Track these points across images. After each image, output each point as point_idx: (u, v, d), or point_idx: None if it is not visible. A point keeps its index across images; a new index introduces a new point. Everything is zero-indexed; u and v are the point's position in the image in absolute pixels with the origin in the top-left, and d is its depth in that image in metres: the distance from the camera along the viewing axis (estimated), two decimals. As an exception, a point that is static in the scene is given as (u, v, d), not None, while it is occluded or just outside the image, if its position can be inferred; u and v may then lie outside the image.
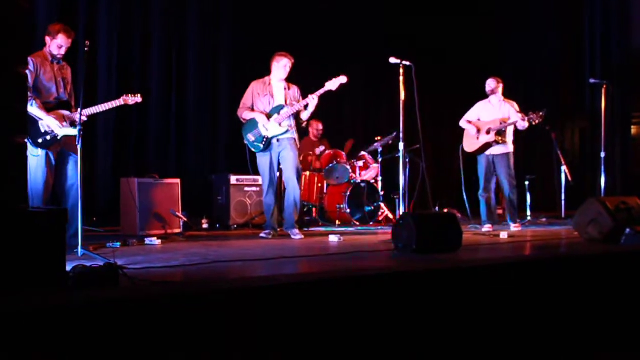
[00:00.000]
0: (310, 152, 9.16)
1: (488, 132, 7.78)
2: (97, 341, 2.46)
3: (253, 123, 6.81)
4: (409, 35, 11.51)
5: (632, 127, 12.34)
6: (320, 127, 9.57)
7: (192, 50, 9.53)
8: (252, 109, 6.86)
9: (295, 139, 6.88)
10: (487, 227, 7.63)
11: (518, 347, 3.85)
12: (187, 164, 9.38)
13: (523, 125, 7.69)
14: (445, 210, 9.10)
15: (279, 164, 6.87)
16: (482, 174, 7.91)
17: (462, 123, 8.12)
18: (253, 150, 6.89)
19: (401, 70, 6.65)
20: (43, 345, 2.32)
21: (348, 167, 8.72)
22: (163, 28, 9.20)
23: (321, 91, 6.78)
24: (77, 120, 5.05)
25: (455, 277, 3.80)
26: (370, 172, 9.03)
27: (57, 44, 5.44)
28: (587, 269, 4.59)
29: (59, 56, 5.50)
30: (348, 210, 8.42)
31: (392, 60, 6.64)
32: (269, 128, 6.73)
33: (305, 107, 6.80)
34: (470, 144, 7.99)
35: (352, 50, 10.60)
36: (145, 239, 6.05)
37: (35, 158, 5.28)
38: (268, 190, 6.79)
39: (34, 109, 5.25)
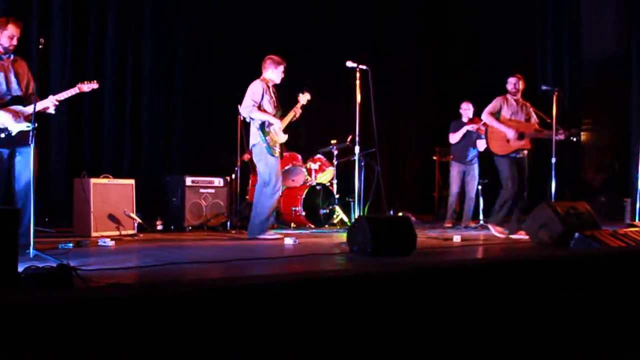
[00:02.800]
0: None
1: (521, 137, 7.38)
2: (49, 343, 2.44)
3: (270, 127, 6.80)
4: (367, 36, 11.62)
5: (582, 133, 12.62)
6: None
7: (147, 50, 9.42)
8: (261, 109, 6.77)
9: None
10: (521, 234, 7.23)
11: (471, 349, 3.91)
12: (141, 164, 9.27)
13: (559, 139, 7.39)
14: (400, 214, 9.20)
15: None
16: (507, 175, 7.41)
17: (488, 119, 7.61)
18: (270, 155, 6.74)
19: (357, 74, 6.71)
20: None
21: (304, 169, 8.73)
22: (118, 27, 9.09)
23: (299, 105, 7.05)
24: (32, 114, 4.94)
25: (409, 280, 3.85)
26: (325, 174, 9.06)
27: (8, 35, 5.34)
28: (536, 272, 4.68)
29: (10, 48, 5.39)
30: (303, 213, 8.44)
31: (349, 64, 6.70)
32: (278, 134, 6.81)
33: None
34: (500, 146, 7.50)
35: (308, 51, 10.61)
36: (99, 240, 5.99)
37: None
38: (277, 193, 6.78)
39: None
